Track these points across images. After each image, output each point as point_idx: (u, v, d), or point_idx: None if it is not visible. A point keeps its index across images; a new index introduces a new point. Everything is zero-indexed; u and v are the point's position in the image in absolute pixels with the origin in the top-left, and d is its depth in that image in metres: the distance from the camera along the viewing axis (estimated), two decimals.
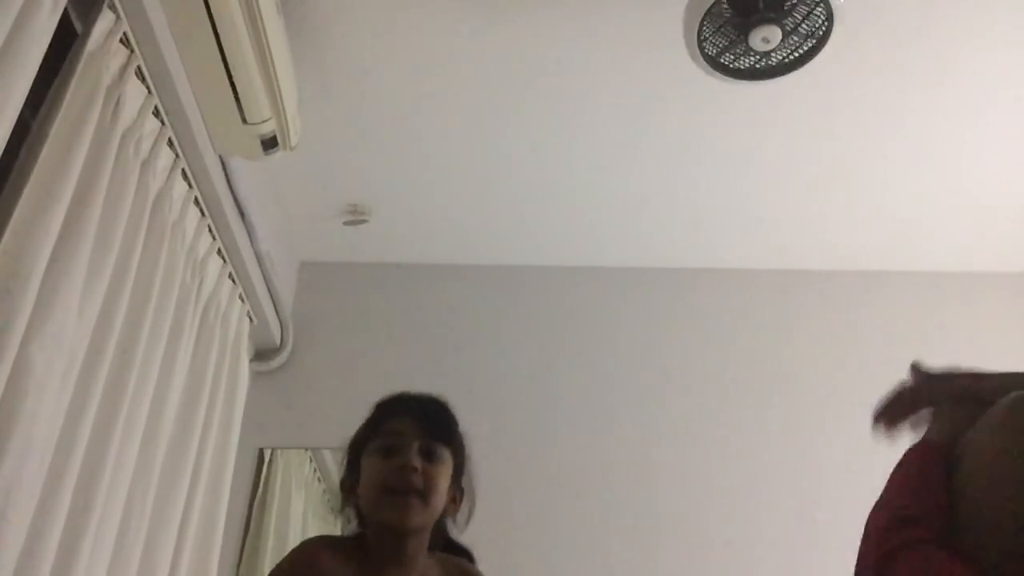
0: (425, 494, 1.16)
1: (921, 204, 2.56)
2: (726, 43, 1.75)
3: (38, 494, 1.34)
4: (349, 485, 1.24)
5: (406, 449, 1.18)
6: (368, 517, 1.19)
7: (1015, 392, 0.80)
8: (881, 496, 0.85)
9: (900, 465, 0.86)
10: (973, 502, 0.76)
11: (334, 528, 2.55)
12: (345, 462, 1.27)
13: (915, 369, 0.90)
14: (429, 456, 1.19)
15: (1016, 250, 2.72)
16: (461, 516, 1.27)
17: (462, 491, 1.26)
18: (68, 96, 1.42)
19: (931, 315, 2.74)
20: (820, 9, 1.69)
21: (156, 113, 1.74)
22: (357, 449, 1.25)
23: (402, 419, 1.23)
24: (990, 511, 0.74)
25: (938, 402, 0.91)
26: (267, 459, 2.48)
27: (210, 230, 2.11)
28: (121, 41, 1.55)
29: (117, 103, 1.56)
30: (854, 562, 0.82)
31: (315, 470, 2.56)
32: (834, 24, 1.71)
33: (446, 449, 1.22)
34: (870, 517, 0.84)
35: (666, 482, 2.50)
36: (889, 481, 0.86)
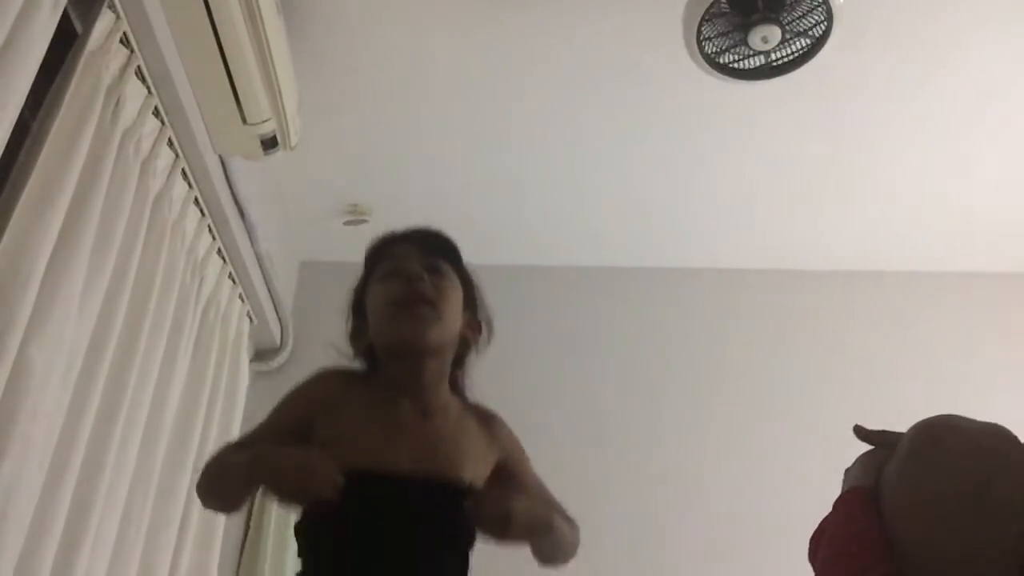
0: (436, 303, 1.06)
1: (920, 204, 2.56)
2: (726, 43, 1.75)
3: (38, 494, 1.34)
4: (358, 333, 1.15)
5: (408, 264, 1.09)
6: (381, 347, 1.10)
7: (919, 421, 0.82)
8: (823, 540, 0.85)
9: (835, 512, 0.87)
10: (898, 533, 0.77)
11: None
12: (349, 312, 1.19)
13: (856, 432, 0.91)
14: (434, 270, 1.10)
15: (1014, 251, 2.71)
16: (481, 346, 1.16)
17: (479, 321, 1.16)
18: (68, 96, 1.42)
19: (929, 315, 2.74)
20: (820, 9, 1.69)
21: (156, 113, 1.74)
22: (359, 294, 1.18)
23: (398, 245, 1.15)
24: (908, 542, 0.75)
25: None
26: None
27: (210, 230, 2.11)
28: (121, 41, 1.56)
29: (117, 103, 1.56)
30: None
31: None
32: (833, 24, 1.71)
33: (451, 268, 1.13)
34: (818, 557, 0.84)
35: (663, 481, 2.50)
36: (828, 525, 0.86)
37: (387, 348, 1.09)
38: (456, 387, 1.15)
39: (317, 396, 1.11)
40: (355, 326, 1.17)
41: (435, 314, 1.06)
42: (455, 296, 1.11)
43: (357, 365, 1.15)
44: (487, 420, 1.14)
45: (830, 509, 0.87)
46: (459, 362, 1.15)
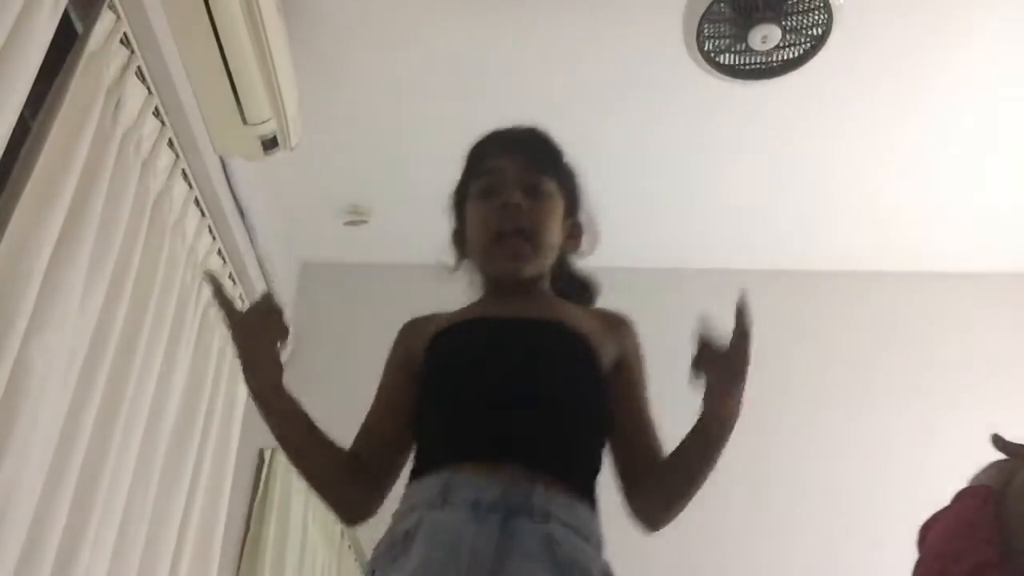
0: (532, 234, 1.05)
1: (921, 203, 2.56)
2: (726, 42, 1.75)
3: (38, 494, 1.34)
4: (459, 237, 1.16)
5: (506, 187, 1.07)
6: (481, 270, 1.12)
7: None
8: (935, 525, 0.85)
9: (956, 502, 0.86)
10: (1016, 544, 0.77)
11: (337, 543, 2.54)
12: (452, 213, 1.19)
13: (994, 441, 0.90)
14: (533, 191, 1.08)
15: (1016, 250, 2.71)
16: (586, 248, 1.17)
17: (579, 225, 1.16)
18: (68, 96, 1.42)
19: (931, 315, 2.74)
20: (820, 8, 1.69)
21: (156, 113, 1.74)
22: (460, 197, 1.18)
23: (498, 156, 1.14)
24: None
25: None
26: (267, 459, 2.47)
27: (210, 231, 2.10)
28: (121, 41, 1.56)
29: (117, 103, 1.56)
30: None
31: None
32: (833, 24, 1.71)
33: (551, 181, 1.11)
34: (927, 539, 0.84)
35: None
36: (945, 514, 0.85)
37: (482, 272, 1.12)
38: (568, 280, 1.16)
39: (407, 334, 1.12)
40: (456, 231, 1.18)
41: (531, 247, 1.05)
42: (553, 214, 1.09)
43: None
44: (609, 317, 1.12)
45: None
46: (560, 267, 1.15)
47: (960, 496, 0.86)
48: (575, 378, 1.00)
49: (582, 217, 1.16)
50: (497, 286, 1.10)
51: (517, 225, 1.05)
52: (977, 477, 0.89)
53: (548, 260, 1.09)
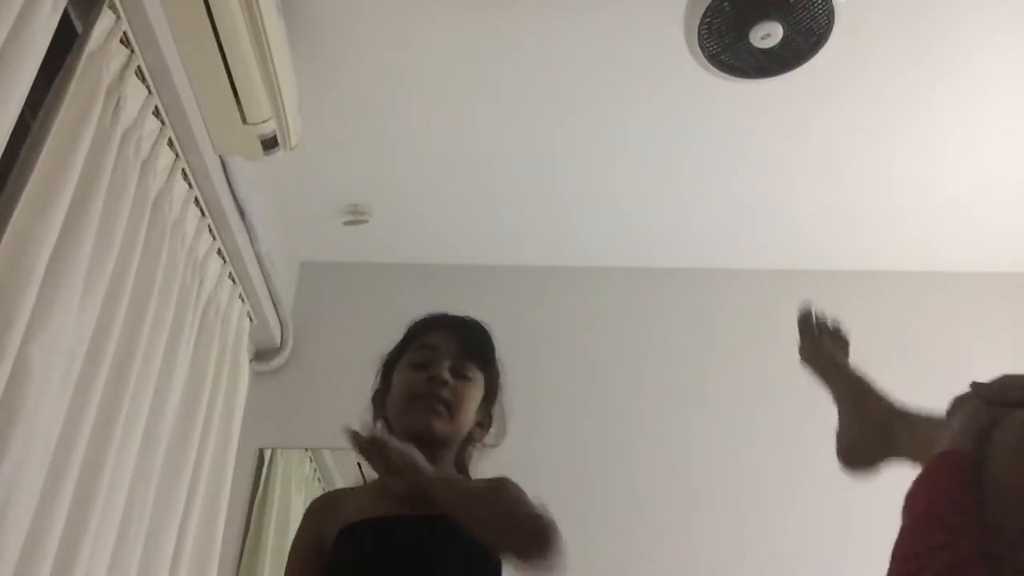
0: (451, 407, 1.15)
1: (921, 203, 2.56)
2: (727, 40, 1.75)
3: (38, 494, 1.34)
4: (380, 398, 1.23)
5: (438, 364, 1.17)
6: (394, 427, 1.17)
7: None
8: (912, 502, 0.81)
9: (929, 473, 0.82)
10: (997, 491, 0.73)
11: None
12: (378, 375, 1.26)
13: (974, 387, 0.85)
14: (460, 374, 1.18)
15: (1016, 250, 2.71)
16: (488, 441, 1.24)
17: (490, 418, 1.23)
18: (68, 96, 1.42)
19: (931, 315, 2.74)
20: (821, 6, 1.68)
21: (156, 113, 1.74)
22: (391, 363, 1.25)
23: (438, 334, 1.22)
24: (1011, 495, 0.72)
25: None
26: (267, 459, 2.47)
27: (210, 230, 2.11)
28: (121, 41, 1.56)
29: (117, 103, 1.56)
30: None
31: (315, 470, 2.56)
32: (835, 21, 1.71)
33: (479, 371, 1.20)
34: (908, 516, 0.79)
35: (661, 482, 2.50)
36: (920, 488, 0.81)
37: (397, 429, 1.17)
38: (461, 468, 1.21)
39: (319, 516, 1.14)
40: (378, 390, 1.24)
41: (448, 414, 1.15)
42: (473, 399, 1.18)
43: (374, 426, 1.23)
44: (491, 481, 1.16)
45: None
46: (466, 448, 1.21)
47: (934, 465, 0.81)
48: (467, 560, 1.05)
49: (495, 411, 1.24)
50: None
51: (440, 396, 1.15)
52: (947, 431, 0.84)
53: (458, 434, 1.17)
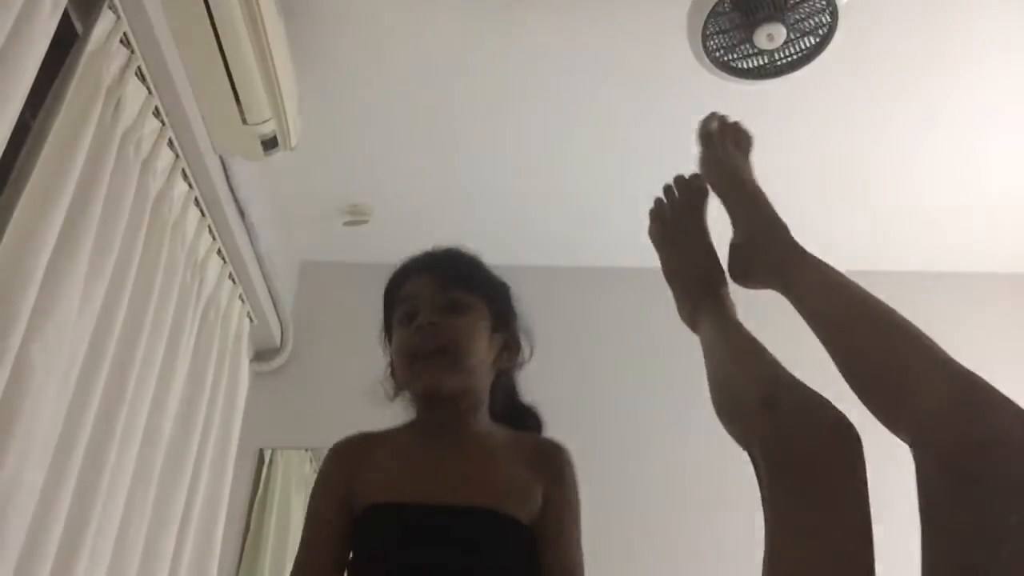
0: (450, 350, 1.00)
1: (923, 203, 2.56)
2: (731, 42, 1.75)
3: (38, 494, 1.34)
4: (393, 371, 1.09)
5: (423, 310, 1.03)
6: (410, 396, 1.06)
7: None
8: None
9: None
10: None
11: None
12: (385, 348, 1.13)
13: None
14: (452, 308, 1.04)
15: (1016, 250, 2.71)
16: (521, 362, 1.12)
17: (513, 336, 1.11)
18: (68, 96, 1.42)
19: (930, 315, 2.73)
20: (825, 7, 1.69)
21: (156, 113, 1.74)
22: (388, 329, 1.13)
23: (413, 279, 1.10)
24: None
25: None
26: (267, 459, 2.47)
27: (210, 230, 2.11)
28: (121, 41, 1.55)
29: (117, 103, 1.56)
30: None
31: (315, 470, 2.56)
32: (839, 22, 1.71)
33: (471, 295, 1.07)
34: None
35: (656, 480, 2.50)
36: None
37: (412, 396, 1.06)
38: (511, 399, 1.11)
39: (347, 464, 1.03)
40: (390, 363, 1.11)
41: (450, 360, 1.01)
42: (477, 329, 1.05)
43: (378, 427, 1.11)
44: (542, 453, 1.06)
45: None
46: (500, 387, 1.09)
47: None
48: (507, 571, 0.96)
49: (517, 330, 1.11)
50: (426, 408, 1.05)
51: (435, 345, 1.01)
52: None
53: (475, 377, 1.04)
